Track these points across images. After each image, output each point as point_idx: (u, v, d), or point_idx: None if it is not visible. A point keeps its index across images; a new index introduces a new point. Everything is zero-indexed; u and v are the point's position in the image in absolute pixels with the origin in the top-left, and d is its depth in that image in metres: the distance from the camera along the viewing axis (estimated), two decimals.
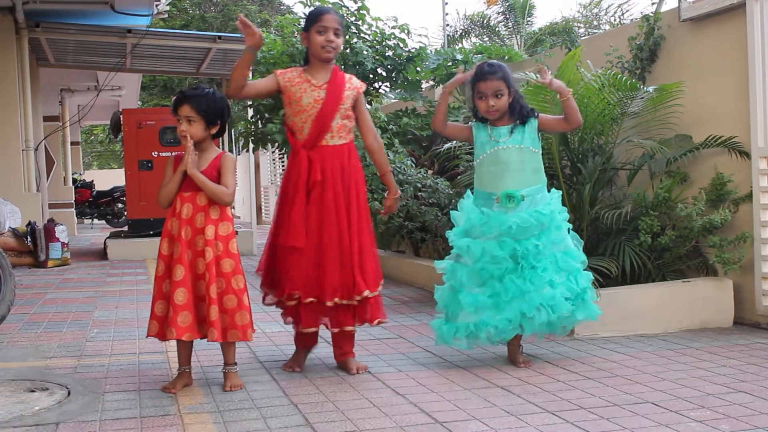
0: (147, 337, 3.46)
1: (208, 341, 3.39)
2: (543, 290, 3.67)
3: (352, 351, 3.81)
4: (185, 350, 3.46)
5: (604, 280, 4.64)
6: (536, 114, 3.88)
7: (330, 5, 7.24)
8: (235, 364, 3.50)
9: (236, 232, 3.53)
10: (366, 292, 3.62)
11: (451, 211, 4.01)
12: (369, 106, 7.23)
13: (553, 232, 3.77)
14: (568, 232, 3.86)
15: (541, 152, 3.88)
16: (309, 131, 3.63)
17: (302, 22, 7.84)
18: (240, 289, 3.41)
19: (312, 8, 3.80)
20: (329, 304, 3.60)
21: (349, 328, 3.71)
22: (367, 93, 7.73)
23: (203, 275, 3.36)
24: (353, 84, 3.75)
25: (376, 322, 3.71)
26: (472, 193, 3.96)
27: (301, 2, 7.42)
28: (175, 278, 3.34)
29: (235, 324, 3.39)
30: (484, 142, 3.86)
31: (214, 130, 3.47)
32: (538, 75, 4.00)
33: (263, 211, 18.74)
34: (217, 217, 3.43)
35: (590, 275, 3.86)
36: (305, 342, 3.85)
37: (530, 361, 3.82)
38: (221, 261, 3.39)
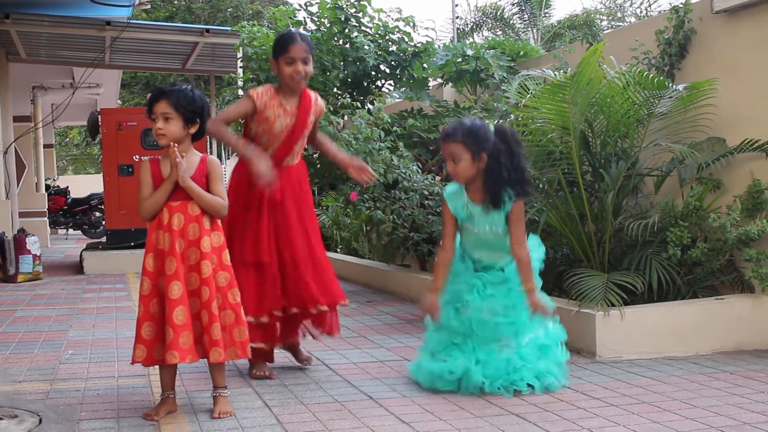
0: (132, 363, 3.44)
1: (210, 362, 3.40)
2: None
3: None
4: (169, 374, 3.47)
5: (629, 297, 4.64)
6: (513, 200, 3.77)
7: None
8: (226, 387, 3.51)
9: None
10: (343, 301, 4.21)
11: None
12: (372, 106, 7.25)
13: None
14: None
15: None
16: (274, 152, 4.05)
17: (297, 15, 7.94)
18: (237, 303, 3.46)
19: (281, 34, 4.14)
20: (313, 311, 4.10)
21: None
22: (369, 92, 7.75)
23: (197, 291, 3.38)
24: (317, 107, 4.20)
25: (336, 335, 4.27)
26: None
27: None
28: (172, 296, 3.33)
29: (233, 341, 3.42)
30: (459, 208, 3.90)
31: (192, 129, 3.50)
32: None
33: None
34: (209, 227, 3.47)
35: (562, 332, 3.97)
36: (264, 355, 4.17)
37: None
38: (216, 274, 3.42)
